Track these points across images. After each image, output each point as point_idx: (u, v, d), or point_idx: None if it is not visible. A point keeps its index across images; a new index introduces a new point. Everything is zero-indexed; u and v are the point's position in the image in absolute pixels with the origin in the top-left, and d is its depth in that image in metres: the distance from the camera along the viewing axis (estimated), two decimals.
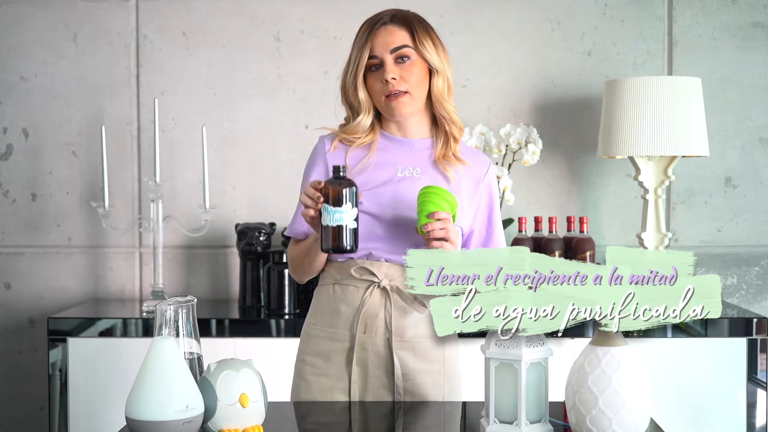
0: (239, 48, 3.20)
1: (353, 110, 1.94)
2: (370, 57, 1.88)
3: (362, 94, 1.90)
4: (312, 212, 1.76)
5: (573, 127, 3.18)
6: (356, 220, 1.75)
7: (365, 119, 1.92)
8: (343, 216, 1.72)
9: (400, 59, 1.87)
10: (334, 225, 1.73)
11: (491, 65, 3.18)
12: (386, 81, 1.86)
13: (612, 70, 3.16)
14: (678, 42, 3.17)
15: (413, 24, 1.88)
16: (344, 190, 1.73)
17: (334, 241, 1.74)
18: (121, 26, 3.20)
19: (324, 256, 1.91)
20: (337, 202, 1.72)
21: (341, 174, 1.75)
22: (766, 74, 3.17)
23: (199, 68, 3.20)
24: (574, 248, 2.93)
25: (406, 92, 1.87)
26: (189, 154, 3.18)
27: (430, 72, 1.90)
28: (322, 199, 1.75)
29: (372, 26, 1.88)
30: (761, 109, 3.17)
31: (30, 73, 3.22)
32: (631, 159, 2.91)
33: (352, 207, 1.73)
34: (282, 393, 2.04)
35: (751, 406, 2.73)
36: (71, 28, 3.21)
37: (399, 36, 1.86)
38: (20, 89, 3.22)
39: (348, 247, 1.74)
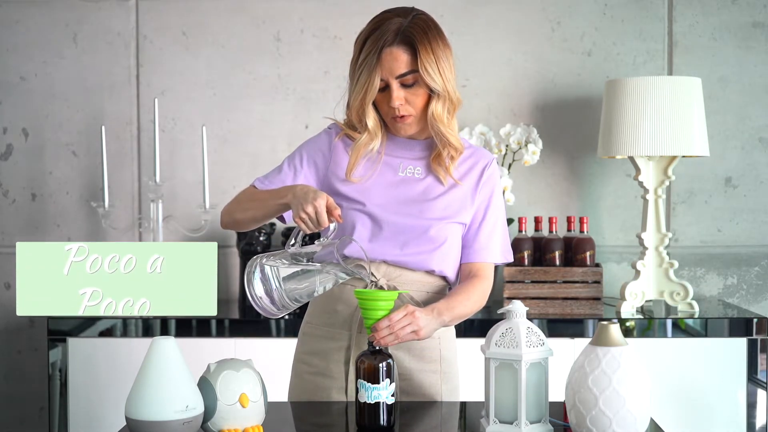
0: (239, 48, 3.20)
1: (361, 126, 1.91)
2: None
3: (371, 122, 1.88)
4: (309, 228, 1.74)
5: (573, 127, 3.18)
6: (394, 394, 1.66)
7: (375, 142, 1.90)
8: (381, 393, 1.64)
9: (405, 85, 1.84)
10: (372, 402, 1.65)
11: (491, 65, 3.18)
12: (392, 106, 1.84)
13: (612, 70, 3.16)
14: (678, 42, 3.17)
15: (416, 44, 1.82)
16: (381, 366, 1.65)
17: (371, 420, 1.65)
18: (121, 26, 3.20)
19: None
20: (374, 379, 1.65)
21: (376, 347, 1.68)
22: (766, 74, 3.16)
23: (199, 68, 3.20)
24: (574, 248, 2.93)
25: (411, 115, 1.86)
26: (189, 154, 3.18)
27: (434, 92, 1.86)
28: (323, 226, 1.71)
29: (380, 48, 1.81)
30: (761, 109, 3.17)
31: (30, 73, 3.21)
32: (631, 159, 2.91)
33: (390, 382, 1.65)
34: (282, 393, 2.04)
35: (751, 406, 2.73)
36: (71, 28, 3.21)
37: (403, 61, 1.81)
38: (20, 89, 3.21)
39: (386, 425, 1.65)
